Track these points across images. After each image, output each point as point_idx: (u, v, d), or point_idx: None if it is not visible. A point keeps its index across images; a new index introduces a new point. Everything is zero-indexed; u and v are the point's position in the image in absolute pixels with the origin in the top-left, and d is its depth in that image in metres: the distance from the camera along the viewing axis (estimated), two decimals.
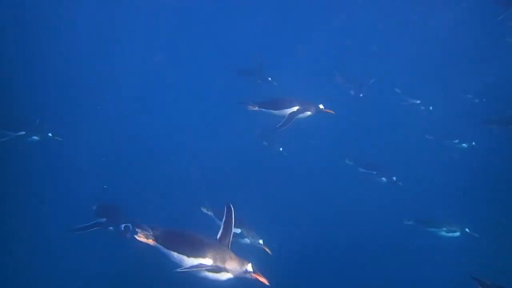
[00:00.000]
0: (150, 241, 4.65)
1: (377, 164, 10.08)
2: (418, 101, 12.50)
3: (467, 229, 8.59)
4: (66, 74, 13.48)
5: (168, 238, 4.63)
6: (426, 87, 12.94)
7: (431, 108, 12.25)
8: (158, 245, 4.65)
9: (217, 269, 4.35)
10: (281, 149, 10.90)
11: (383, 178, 9.86)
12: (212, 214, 6.86)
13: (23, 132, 8.46)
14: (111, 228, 6.69)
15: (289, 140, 10.98)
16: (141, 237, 4.66)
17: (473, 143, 10.91)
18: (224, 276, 4.39)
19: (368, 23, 17.03)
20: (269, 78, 11.57)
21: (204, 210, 6.92)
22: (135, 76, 14.31)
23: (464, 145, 11.05)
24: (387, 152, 11.26)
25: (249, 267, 4.27)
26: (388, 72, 14.15)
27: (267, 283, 4.16)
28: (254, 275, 4.24)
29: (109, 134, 11.18)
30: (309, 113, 7.23)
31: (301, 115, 7.26)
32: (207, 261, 4.38)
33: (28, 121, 8.72)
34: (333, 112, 7.13)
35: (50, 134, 8.57)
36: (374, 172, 9.92)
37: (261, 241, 6.66)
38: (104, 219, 6.87)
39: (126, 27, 16.70)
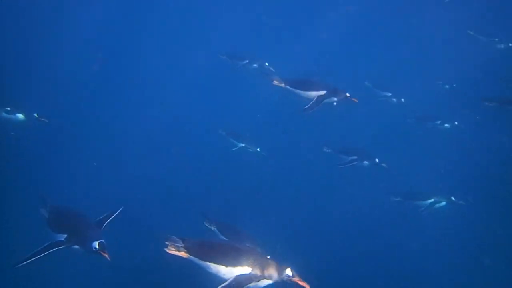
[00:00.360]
0: (183, 254, 4.46)
1: (356, 149, 9.87)
2: (389, 94, 12.56)
3: (452, 198, 9.04)
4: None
5: (201, 249, 4.48)
6: (395, 79, 13.29)
7: (402, 100, 12.34)
8: (192, 257, 4.47)
9: (257, 278, 4.27)
10: (258, 149, 10.92)
11: (365, 162, 9.60)
12: (215, 229, 6.11)
13: (8, 108, 8.08)
14: (76, 247, 4.83)
15: (264, 139, 11.16)
16: (172, 250, 4.46)
17: (456, 123, 11.19)
18: (264, 283, 4.32)
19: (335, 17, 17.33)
20: (266, 64, 11.51)
21: (207, 225, 6.12)
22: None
23: (446, 125, 11.35)
24: (369, 138, 11.46)
25: (288, 271, 4.22)
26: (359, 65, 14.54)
27: (308, 287, 4.14)
28: (294, 280, 4.19)
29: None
30: (335, 99, 7.27)
31: (327, 100, 7.27)
32: (246, 269, 4.30)
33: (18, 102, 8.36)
34: (357, 101, 7.20)
35: (35, 115, 8.10)
36: (355, 157, 9.63)
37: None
38: (64, 235, 4.84)
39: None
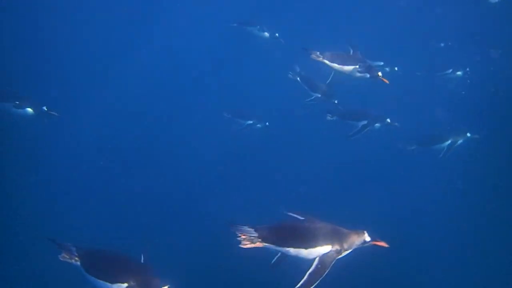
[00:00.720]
0: (258, 244, 4.38)
1: (363, 112, 9.37)
2: (382, 63, 11.84)
3: (468, 134, 9.05)
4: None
5: (277, 236, 4.39)
6: (388, 47, 12.87)
7: (396, 68, 11.69)
8: (269, 245, 4.42)
9: (339, 252, 4.29)
10: (267, 123, 11.18)
11: (377, 124, 9.18)
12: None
13: (17, 102, 7.79)
14: None
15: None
16: (246, 244, 4.36)
17: (467, 69, 11.05)
18: (345, 253, 4.37)
19: None
20: (276, 34, 11.45)
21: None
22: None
23: (458, 73, 11.18)
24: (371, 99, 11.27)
25: (366, 237, 4.31)
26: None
27: (386, 245, 4.25)
28: (373, 242, 4.30)
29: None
30: (368, 75, 7.48)
31: (360, 75, 7.55)
32: (326, 247, 4.30)
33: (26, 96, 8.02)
34: (387, 82, 7.28)
35: (45, 108, 7.81)
36: (365, 122, 9.11)
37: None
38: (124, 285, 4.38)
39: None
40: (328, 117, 9.43)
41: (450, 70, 11.26)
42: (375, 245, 4.34)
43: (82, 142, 10.90)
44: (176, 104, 13.14)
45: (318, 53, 7.69)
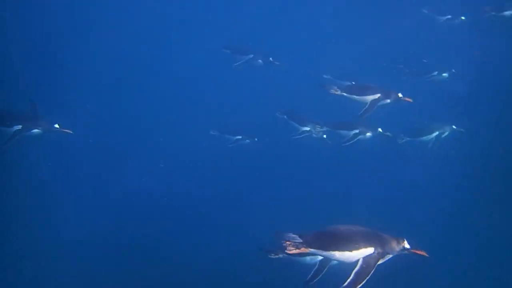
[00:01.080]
0: (303, 250, 4.47)
1: (354, 122, 9.48)
2: (354, 83, 12.25)
3: (454, 126, 9.51)
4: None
5: (322, 241, 4.53)
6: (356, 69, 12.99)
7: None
8: (314, 250, 4.53)
9: (381, 255, 4.49)
10: (256, 139, 11.37)
11: (368, 134, 9.46)
12: None
13: (20, 126, 6.87)
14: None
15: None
16: (291, 250, 4.44)
17: (453, 70, 11.45)
18: (385, 259, 4.56)
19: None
20: (270, 59, 11.59)
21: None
22: None
23: (444, 74, 11.57)
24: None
25: (406, 244, 4.51)
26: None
27: (426, 255, 4.45)
28: (412, 251, 4.50)
29: None
30: (388, 100, 7.81)
31: (381, 102, 7.82)
32: (369, 250, 4.49)
33: (26, 113, 7.26)
34: (411, 101, 7.66)
35: (57, 126, 7.04)
36: (357, 131, 9.40)
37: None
38: None
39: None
40: (318, 128, 9.83)
41: (436, 72, 11.74)
42: (414, 253, 4.55)
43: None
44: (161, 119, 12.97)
45: (336, 87, 8.04)
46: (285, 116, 10.79)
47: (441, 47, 13.34)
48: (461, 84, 11.50)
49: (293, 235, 4.54)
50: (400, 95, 7.79)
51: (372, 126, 9.41)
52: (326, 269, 5.10)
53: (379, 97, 7.82)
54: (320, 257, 5.10)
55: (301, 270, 5.38)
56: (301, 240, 4.51)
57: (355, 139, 9.37)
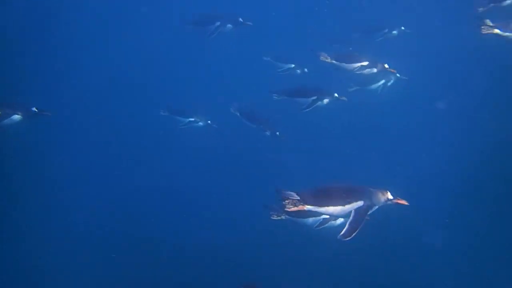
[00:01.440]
0: (301, 207, 4.76)
1: (312, 88, 9.36)
2: (293, 65, 12.22)
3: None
4: None
5: (317, 197, 4.84)
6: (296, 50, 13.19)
7: (306, 70, 12.01)
8: (310, 207, 4.83)
9: (370, 207, 4.90)
10: (209, 121, 11.22)
11: (326, 99, 9.23)
12: None
13: None
14: None
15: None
16: (291, 208, 4.72)
17: (402, 28, 11.63)
18: (374, 208, 4.97)
19: None
20: (240, 19, 11.22)
21: None
22: None
23: (394, 32, 11.75)
24: None
25: (389, 195, 4.97)
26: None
27: (407, 203, 4.94)
28: (395, 201, 4.96)
29: None
30: (375, 70, 8.20)
31: (368, 70, 8.20)
32: (359, 203, 4.87)
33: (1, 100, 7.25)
34: (395, 71, 8.09)
35: (35, 109, 7.02)
36: (315, 97, 9.10)
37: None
38: None
39: None
40: (275, 97, 9.54)
41: (386, 30, 11.99)
42: (397, 203, 5.02)
43: None
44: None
45: (326, 54, 8.27)
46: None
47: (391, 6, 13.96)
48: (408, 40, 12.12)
49: (291, 193, 4.81)
50: (386, 65, 8.34)
51: (329, 91, 9.33)
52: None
53: (367, 65, 8.33)
54: (322, 217, 5.50)
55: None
56: (298, 198, 4.80)
57: (314, 106, 9.29)
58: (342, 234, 4.78)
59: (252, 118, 10.51)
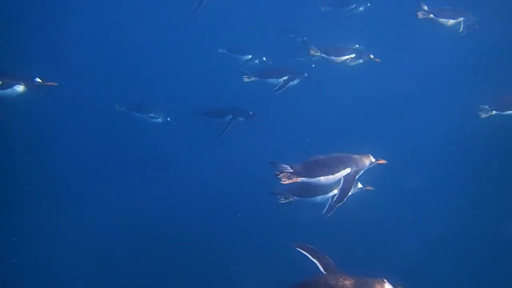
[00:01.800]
0: (295, 179, 4.93)
1: (283, 69, 9.69)
2: (250, 56, 12.32)
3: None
4: None
5: (309, 169, 5.04)
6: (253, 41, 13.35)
7: (264, 58, 12.22)
8: (304, 179, 5.04)
9: (357, 172, 5.27)
10: (168, 119, 10.97)
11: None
12: None
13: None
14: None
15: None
16: (285, 181, 4.87)
17: (368, 5, 12.13)
18: (360, 173, 5.35)
19: None
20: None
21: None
22: None
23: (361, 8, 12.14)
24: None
25: (372, 158, 5.39)
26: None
27: (385, 162, 5.46)
28: (377, 162, 5.41)
29: None
30: (361, 60, 8.62)
31: (355, 62, 8.59)
32: (347, 170, 5.21)
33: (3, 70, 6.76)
34: (379, 61, 8.43)
35: (38, 80, 6.60)
36: (286, 77, 9.39)
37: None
38: None
39: None
40: (246, 79, 9.45)
41: (354, 6, 12.30)
42: (378, 163, 5.49)
43: None
44: None
45: (315, 48, 8.57)
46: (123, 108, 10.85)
47: None
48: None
49: (285, 165, 5.02)
50: (371, 56, 8.83)
51: (299, 71, 9.59)
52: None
53: (354, 57, 8.81)
54: (331, 194, 5.77)
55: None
56: (292, 171, 5.00)
57: (286, 86, 9.40)
58: (335, 201, 5.14)
59: (140, 109, 10.70)
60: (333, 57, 8.87)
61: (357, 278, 3.76)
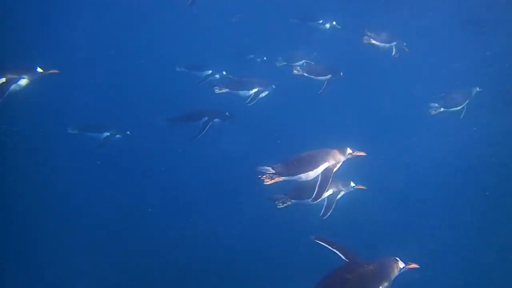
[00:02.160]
0: (277, 179, 5.03)
1: (252, 81, 9.54)
2: (210, 71, 12.21)
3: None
4: None
5: (290, 168, 5.13)
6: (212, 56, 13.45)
7: (224, 73, 12.00)
8: (285, 178, 5.11)
9: (335, 165, 5.33)
10: (128, 132, 10.38)
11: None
12: None
13: (3, 79, 6.14)
14: None
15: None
16: (268, 181, 4.96)
17: (334, 23, 12.45)
18: (338, 165, 5.39)
19: None
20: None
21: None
22: None
23: (327, 25, 12.58)
24: None
25: (349, 150, 5.46)
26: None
27: (364, 154, 5.51)
28: (355, 154, 5.47)
29: None
30: (334, 78, 9.37)
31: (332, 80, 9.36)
32: (325, 165, 5.30)
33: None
34: (343, 74, 9.32)
35: (40, 70, 6.40)
36: (256, 89, 9.35)
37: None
38: None
39: None
40: (217, 90, 9.34)
41: (321, 21, 12.76)
42: (356, 155, 5.53)
43: None
44: None
45: (299, 68, 9.23)
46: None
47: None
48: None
49: (267, 167, 5.10)
50: (342, 73, 9.61)
51: (267, 83, 9.63)
52: (334, 204, 5.99)
53: (331, 76, 9.57)
54: (326, 195, 5.95)
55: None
56: (273, 171, 5.09)
57: (257, 98, 9.42)
58: (314, 197, 5.26)
59: (95, 129, 10.30)
60: (313, 77, 9.51)
61: (375, 261, 4.28)
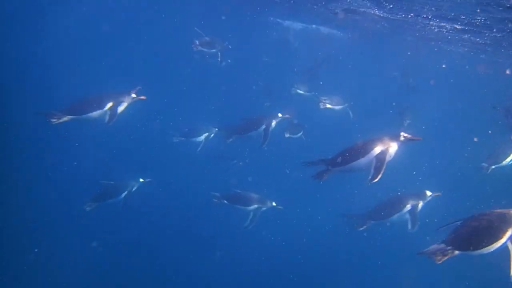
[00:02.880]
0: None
1: (259, 118, 9.32)
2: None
3: None
4: None
5: (340, 159, 5.82)
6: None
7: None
8: (338, 168, 5.92)
9: (388, 149, 5.70)
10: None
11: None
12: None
13: (110, 103, 6.95)
14: None
15: None
16: (324, 177, 6.04)
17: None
18: (392, 149, 5.74)
19: None
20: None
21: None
22: None
23: None
24: None
25: (404, 134, 5.73)
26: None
27: (420, 138, 5.74)
28: (409, 137, 5.73)
29: None
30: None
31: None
32: (376, 150, 5.71)
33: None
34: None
35: (134, 95, 7.19)
36: (264, 126, 9.09)
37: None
38: None
39: None
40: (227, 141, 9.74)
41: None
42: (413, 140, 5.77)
43: None
44: None
45: (325, 100, 10.35)
46: None
47: None
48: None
49: (319, 161, 6.11)
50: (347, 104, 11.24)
51: (272, 114, 9.41)
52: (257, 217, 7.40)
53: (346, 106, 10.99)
54: (254, 207, 7.60)
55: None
56: (325, 166, 6.11)
57: (268, 133, 9.14)
58: (370, 179, 5.60)
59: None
60: (336, 107, 10.85)
61: (495, 212, 5.13)
